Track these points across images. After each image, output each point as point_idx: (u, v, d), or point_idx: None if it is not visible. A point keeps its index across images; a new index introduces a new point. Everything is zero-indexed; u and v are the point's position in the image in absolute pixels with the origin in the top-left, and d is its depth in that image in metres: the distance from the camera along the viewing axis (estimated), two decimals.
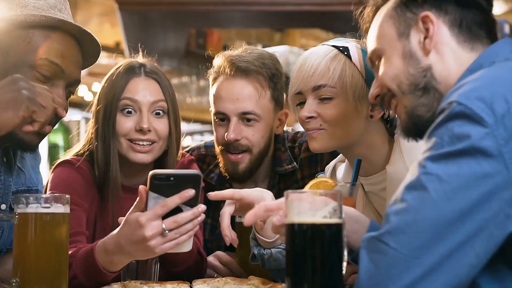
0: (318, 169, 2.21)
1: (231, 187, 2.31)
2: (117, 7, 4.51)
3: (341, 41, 1.82)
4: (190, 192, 1.42)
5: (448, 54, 1.40)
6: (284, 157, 2.28)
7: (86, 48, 1.86)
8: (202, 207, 1.45)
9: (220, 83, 2.19)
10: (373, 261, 1.19)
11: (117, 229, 1.52)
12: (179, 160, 2.14)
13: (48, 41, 1.72)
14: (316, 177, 1.94)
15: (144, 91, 2.02)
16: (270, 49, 5.18)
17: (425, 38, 1.41)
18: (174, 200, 1.41)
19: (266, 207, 1.46)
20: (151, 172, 1.42)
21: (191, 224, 1.44)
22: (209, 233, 2.31)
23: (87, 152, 2.05)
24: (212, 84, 2.22)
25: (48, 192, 1.94)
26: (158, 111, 2.03)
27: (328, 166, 2.01)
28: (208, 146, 2.40)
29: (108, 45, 8.17)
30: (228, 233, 1.57)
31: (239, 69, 2.15)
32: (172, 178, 1.42)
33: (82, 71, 1.86)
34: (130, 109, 2.02)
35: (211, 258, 2.06)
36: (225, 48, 2.29)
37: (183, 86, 6.11)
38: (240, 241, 2.00)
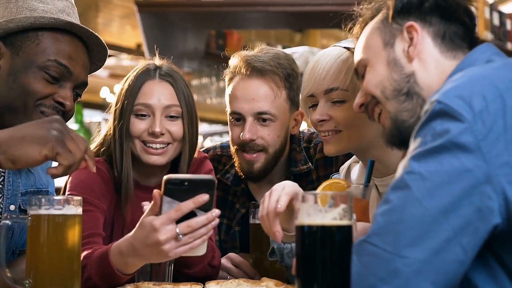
0: (333, 169, 2.20)
1: (246, 187, 2.31)
2: (136, 9, 4.54)
3: (353, 42, 1.81)
4: (204, 197, 1.42)
5: (431, 62, 1.44)
6: (299, 158, 2.28)
7: (94, 52, 1.88)
8: (216, 212, 1.45)
9: (236, 83, 2.19)
10: (363, 263, 1.21)
11: (132, 231, 1.53)
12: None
13: (57, 43, 1.75)
14: (331, 178, 1.94)
15: (157, 95, 2.03)
16: (289, 50, 5.19)
17: (409, 46, 1.45)
18: (188, 205, 1.42)
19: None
20: (165, 177, 1.44)
21: (205, 228, 1.44)
22: (224, 233, 2.31)
23: (105, 153, 2.07)
24: (228, 84, 2.23)
25: (66, 193, 1.96)
26: (171, 114, 2.04)
27: (342, 167, 2.01)
28: (224, 147, 2.41)
29: (129, 47, 8.26)
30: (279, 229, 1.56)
31: (254, 69, 2.16)
32: (186, 183, 1.43)
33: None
34: (143, 113, 2.04)
35: (223, 260, 2.06)
36: (244, 49, 2.29)
37: (203, 88, 6.12)
38: (254, 242, 2.01)
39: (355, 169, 1.94)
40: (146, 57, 5.67)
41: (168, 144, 2.03)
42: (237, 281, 1.67)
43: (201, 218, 1.43)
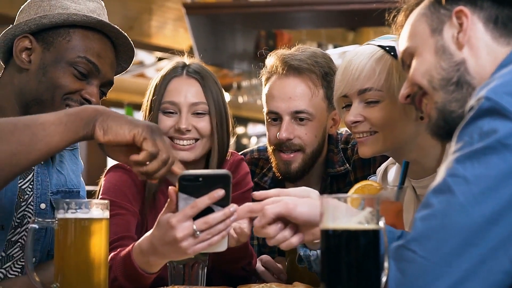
0: (371, 171, 2.16)
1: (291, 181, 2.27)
2: (184, 11, 4.57)
3: (387, 40, 1.76)
4: (219, 193, 1.39)
5: (482, 48, 1.35)
6: (337, 159, 2.24)
7: (120, 53, 1.92)
8: (234, 207, 1.42)
9: (273, 82, 2.17)
10: (401, 270, 1.15)
11: (151, 230, 1.52)
12: (228, 160, 2.13)
13: (87, 40, 1.80)
14: (368, 179, 1.88)
15: (184, 92, 2.04)
16: (341, 49, 5.12)
17: (459, 32, 1.36)
18: (204, 201, 1.39)
19: (249, 208, 1.43)
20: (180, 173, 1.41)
21: (223, 224, 1.41)
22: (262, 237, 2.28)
23: None
24: (265, 84, 2.21)
25: (99, 196, 1.98)
26: (198, 111, 2.04)
27: (379, 169, 1.96)
28: (261, 150, 2.39)
29: (182, 49, 8.32)
30: None
31: (291, 68, 2.13)
32: (200, 179, 1.40)
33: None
34: (170, 110, 2.05)
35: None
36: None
37: (253, 89, 6.11)
38: None
39: (392, 171, 1.88)
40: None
41: (196, 140, 2.04)
42: (269, 285, 1.64)
43: (218, 214, 1.40)
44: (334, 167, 2.23)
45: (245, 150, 2.47)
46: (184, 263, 1.71)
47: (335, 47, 6.06)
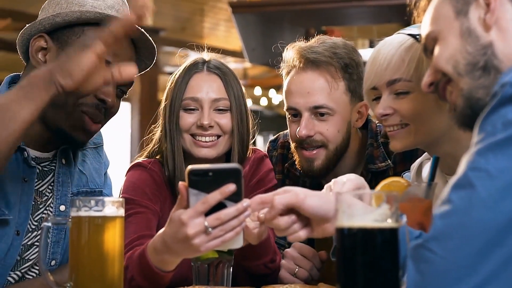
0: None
1: (315, 179, 2.20)
2: (230, 10, 4.55)
3: (418, 29, 1.66)
4: (230, 187, 1.34)
5: (511, 30, 1.25)
6: (377, 154, 2.13)
7: (142, 49, 1.87)
8: (247, 202, 1.36)
9: (291, 77, 2.11)
10: (420, 271, 1.07)
11: (164, 227, 1.48)
12: (250, 157, 2.09)
13: None
14: (402, 176, 1.80)
15: (206, 88, 2.01)
16: None
17: (486, 13, 1.27)
18: (215, 196, 1.34)
19: (261, 199, 1.38)
20: (188, 168, 1.36)
21: (237, 220, 1.35)
22: None
23: (158, 152, 2.06)
24: (285, 79, 2.14)
25: (120, 195, 1.96)
26: (220, 107, 2.01)
27: (413, 164, 1.86)
28: None
29: (234, 50, 8.34)
30: None
31: (308, 61, 2.06)
32: (210, 173, 1.35)
33: None
34: (192, 107, 2.01)
35: (290, 250, 1.92)
36: None
37: None
38: (319, 241, 1.90)
39: (427, 167, 1.78)
40: (244, 58, 5.70)
41: (218, 136, 2.00)
42: (293, 286, 1.58)
43: (230, 210, 1.34)
44: (374, 163, 2.13)
45: (279, 133, 2.41)
46: (208, 262, 1.67)
47: None
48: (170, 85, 2.06)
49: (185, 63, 2.08)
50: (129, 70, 1.49)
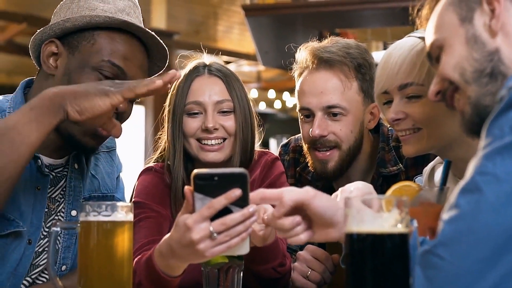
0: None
1: (329, 182, 2.19)
2: (243, 13, 4.55)
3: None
4: (236, 192, 1.32)
5: None
6: (389, 158, 2.12)
7: (153, 52, 1.85)
8: (253, 207, 1.34)
9: (304, 78, 2.10)
10: (428, 278, 1.05)
11: (170, 232, 1.47)
12: (259, 160, 2.08)
13: (112, 43, 1.73)
14: (414, 180, 1.78)
15: (208, 91, 2.00)
16: None
17: (491, 19, 1.25)
18: (220, 201, 1.32)
19: (263, 195, 1.34)
20: (193, 172, 1.35)
21: (243, 226, 1.33)
22: None
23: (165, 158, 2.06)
24: (297, 80, 2.13)
25: (132, 199, 1.96)
26: (224, 109, 2.00)
27: (425, 168, 1.84)
28: None
29: (248, 53, 8.34)
30: None
31: (321, 60, 2.05)
32: (216, 178, 1.33)
33: None
34: (195, 111, 2.00)
35: (303, 252, 1.90)
36: None
37: None
38: (330, 245, 1.88)
39: (439, 171, 1.76)
40: (258, 61, 5.69)
41: (224, 139, 1.99)
42: None
43: (236, 215, 1.32)
44: (386, 166, 2.11)
45: (290, 138, 2.40)
46: (218, 267, 1.66)
47: None
48: (172, 91, 2.06)
49: (186, 68, 2.07)
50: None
